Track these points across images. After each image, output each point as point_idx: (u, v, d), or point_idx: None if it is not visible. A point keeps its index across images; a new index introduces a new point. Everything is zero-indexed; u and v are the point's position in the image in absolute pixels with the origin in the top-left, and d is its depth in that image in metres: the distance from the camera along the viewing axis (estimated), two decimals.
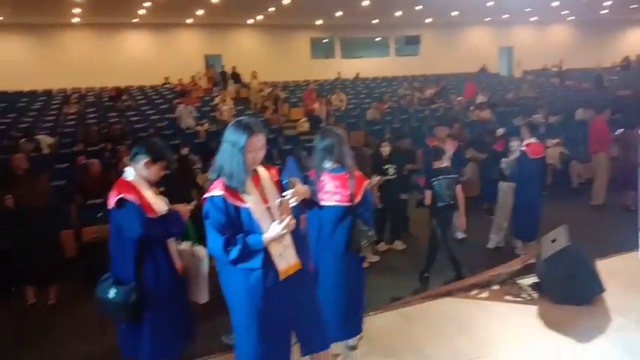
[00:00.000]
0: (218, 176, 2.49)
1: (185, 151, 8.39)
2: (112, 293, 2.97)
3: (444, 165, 5.60)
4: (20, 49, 18.36)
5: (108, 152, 9.83)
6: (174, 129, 12.12)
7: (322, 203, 3.12)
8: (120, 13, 17.58)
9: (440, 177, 5.46)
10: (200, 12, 17.83)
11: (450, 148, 6.59)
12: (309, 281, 2.71)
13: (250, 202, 2.47)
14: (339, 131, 3.43)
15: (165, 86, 18.48)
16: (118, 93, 15.86)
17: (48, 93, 17.10)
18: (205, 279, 3.27)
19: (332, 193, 3.28)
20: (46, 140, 10.42)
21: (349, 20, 20.93)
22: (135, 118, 13.53)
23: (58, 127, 12.54)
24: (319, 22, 21.57)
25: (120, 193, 2.92)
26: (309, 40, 22.74)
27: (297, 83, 20.08)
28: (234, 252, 2.37)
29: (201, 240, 3.30)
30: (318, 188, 3.22)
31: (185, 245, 3.27)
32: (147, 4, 15.93)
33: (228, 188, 2.44)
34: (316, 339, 2.67)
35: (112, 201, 2.94)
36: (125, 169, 3.12)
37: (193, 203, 3.36)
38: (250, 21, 20.58)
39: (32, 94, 16.66)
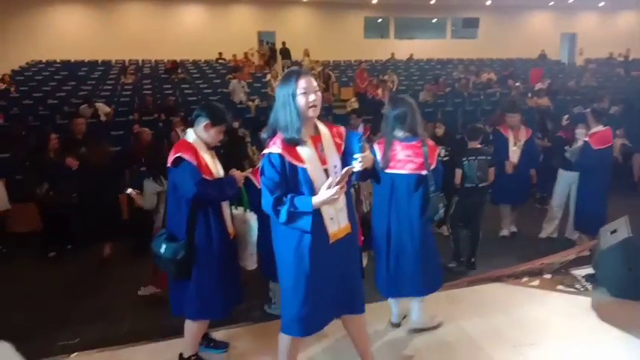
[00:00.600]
0: (274, 133, 2.45)
1: (236, 124, 8.49)
2: (162, 248, 3.05)
3: (478, 146, 5.45)
4: (82, 20, 18.93)
5: (161, 122, 10.09)
6: (226, 103, 12.27)
7: (394, 171, 3.31)
8: None
9: (471, 157, 5.31)
10: None
11: (522, 136, 6.23)
12: (356, 244, 2.74)
13: (307, 162, 2.42)
14: (411, 100, 3.43)
15: (219, 61, 18.70)
16: (174, 66, 16.17)
17: (107, 63, 17.65)
18: (254, 246, 3.31)
19: (405, 161, 3.32)
20: (103, 108, 10.78)
21: (405, 0, 20.44)
22: (188, 91, 13.80)
23: (115, 97, 12.95)
24: (374, 1, 21.19)
25: (178, 152, 2.97)
26: (362, 20, 22.40)
27: (348, 63, 19.89)
28: (283, 212, 2.35)
29: (254, 207, 3.35)
30: (389, 156, 3.33)
31: (238, 211, 3.32)
32: None
33: (286, 145, 2.40)
34: (356, 302, 2.72)
35: (170, 159, 3.00)
36: (187, 130, 3.19)
37: (249, 170, 3.39)
38: None
39: (92, 64, 17.23)
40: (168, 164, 3.03)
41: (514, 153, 6.14)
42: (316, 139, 2.50)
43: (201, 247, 3.04)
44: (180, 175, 2.97)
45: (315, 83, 2.42)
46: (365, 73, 14.78)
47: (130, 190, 4.63)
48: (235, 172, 3.24)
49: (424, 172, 3.31)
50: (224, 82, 15.31)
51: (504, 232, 6.44)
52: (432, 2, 21.40)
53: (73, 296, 4.96)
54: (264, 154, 2.44)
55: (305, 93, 2.37)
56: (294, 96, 2.36)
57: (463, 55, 21.34)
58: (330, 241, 2.50)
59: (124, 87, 14.12)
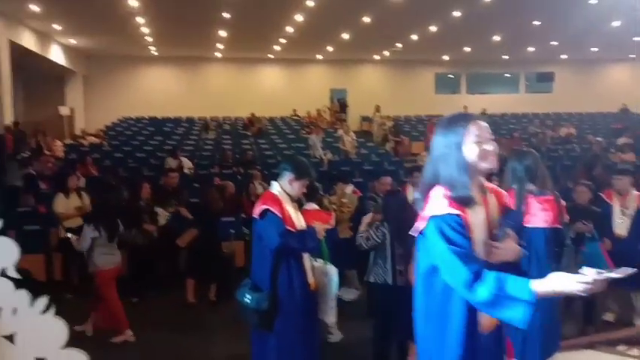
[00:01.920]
0: (428, 189, 1.97)
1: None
2: (247, 298, 3.14)
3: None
4: (170, 79, 20.49)
5: (240, 175, 10.54)
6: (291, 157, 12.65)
7: (531, 225, 3.28)
8: (257, 49, 18.97)
9: None
10: (330, 48, 18.62)
11: (631, 202, 4.99)
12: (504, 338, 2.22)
13: (475, 229, 1.92)
14: (534, 152, 3.44)
15: (293, 117, 19.45)
16: (251, 120, 17.00)
17: (190, 120, 18.84)
18: (334, 299, 3.33)
19: (540, 215, 3.32)
20: (187, 163, 11.43)
21: (477, 56, 20.52)
22: (265, 146, 14.39)
23: (198, 151, 13.72)
24: (445, 57, 21.43)
25: (264, 205, 3.12)
26: (433, 75, 22.65)
27: (419, 117, 20.01)
28: (484, 293, 1.77)
29: (332, 260, 3.40)
30: (523, 210, 3.28)
31: (318, 263, 3.37)
32: (282, 41, 17.01)
33: (458, 205, 1.88)
34: None
35: (257, 211, 3.15)
36: (271, 182, 3.35)
37: (330, 223, 3.46)
38: (377, 56, 21.04)
39: (177, 121, 18.48)
40: (255, 215, 3.17)
41: (621, 224, 4.96)
42: (484, 200, 2.01)
43: (283, 298, 3.10)
44: (266, 227, 3.09)
45: (489, 130, 1.98)
46: None
47: (70, 235, 4.90)
48: (316, 225, 3.32)
49: (559, 226, 3.29)
50: (298, 137, 15.86)
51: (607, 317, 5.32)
52: (504, 57, 21.31)
53: (151, 340, 5.14)
54: (430, 216, 1.90)
55: (479, 142, 1.92)
56: (460, 145, 1.92)
57: (538, 110, 20.88)
58: (482, 331, 1.98)
59: (205, 142, 14.96)
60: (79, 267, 6.83)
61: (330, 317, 3.38)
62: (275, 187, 3.26)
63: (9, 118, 12.74)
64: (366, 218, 4.15)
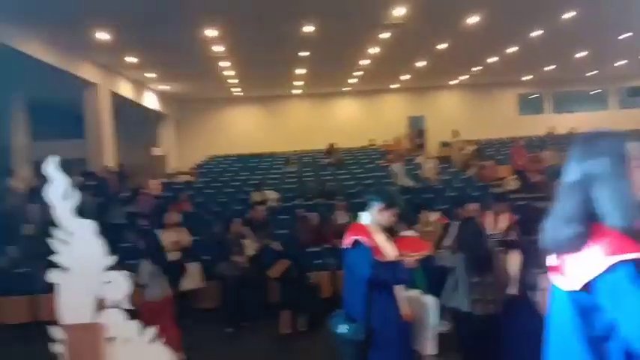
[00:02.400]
0: (589, 222, 1.53)
1: None
2: (341, 328, 3.18)
3: None
4: (252, 117, 21.52)
5: (322, 206, 10.74)
6: (378, 186, 12.68)
7: None
8: (334, 83, 19.50)
9: None
10: (405, 77, 18.70)
11: None
12: None
13: None
14: None
15: (371, 147, 19.58)
16: (330, 150, 17.38)
17: (272, 155, 19.55)
18: (433, 330, 3.28)
19: None
20: (271, 195, 11.83)
21: (561, 74, 19.67)
22: (344, 177, 14.57)
23: (281, 184, 14.17)
24: (527, 77, 20.74)
25: (354, 235, 3.17)
26: (516, 97, 21.94)
27: (502, 140, 19.38)
28: None
29: (430, 290, 3.38)
30: None
31: (413, 293, 3.35)
32: (358, 74, 17.35)
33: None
34: None
35: (347, 241, 3.20)
36: (360, 213, 3.39)
37: (423, 253, 3.44)
38: (454, 82, 20.81)
39: (260, 156, 19.25)
40: (345, 246, 3.23)
41: None
42: None
43: (377, 328, 3.10)
44: (357, 258, 3.13)
45: None
46: (523, 149, 14.25)
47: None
48: (407, 258, 3.30)
49: None
50: (376, 166, 15.91)
51: None
52: (590, 74, 20.25)
53: None
54: (622, 260, 1.41)
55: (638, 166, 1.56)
56: (623, 164, 1.55)
57: (631, 126, 19.47)
58: None
59: (287, 175, 15.42)
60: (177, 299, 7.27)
61: (428, 349, 3.32)
62: (364, 218, 3.30)
63: (111, 161, 13.95)
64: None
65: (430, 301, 3.28)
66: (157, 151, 17.67)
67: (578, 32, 13.20)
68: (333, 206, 9.56)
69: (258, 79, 17.37)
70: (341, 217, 8.91)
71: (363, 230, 3.20)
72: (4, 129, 14.02)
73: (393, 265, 3.18)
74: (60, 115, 16.54)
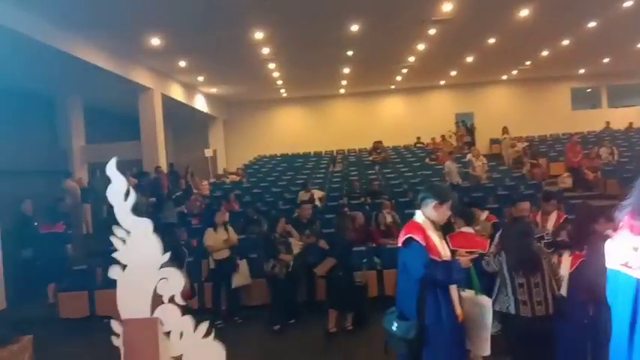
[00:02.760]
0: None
1: None
2: (394, 326, 3.17)
3: None
4: (298, 118, 21.69)
5: (368, 205, 10.73)
6: (425, 185, 12.54)
7: None
8: (379, 82, 19.39)
9: None
10: (453, 73, 18.36)
11: None
12: None
13: None
14: None
15: (417, 145, 19.35)
16: (376, 147, 17.33)
17: (318, 154, 19.67)
18: (488, 330, 3.22)
19: None
20: (318, 193, 11.92)
21: (618, 66, 18.77)
22: (390, 175, 14.49)
23: (326, 183, 14.25)
24: (581, 71, 19.92)
25: (408, 233, 3.13)
26: (569, 91, 21.11)
27: (556, 136, 18.74)
28: None
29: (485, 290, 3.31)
30: None
31: (468, 293, 3.29)
32: (404, 71, 17.18)
33: None
34: None
35: (401, 240, 3.17)
36: (415, 211, 3.32)
37: (477, 252, 3.38)
38: (504, 77, 20.26)
39: (306, 156, 19.41)
40: (399, 244, 3.20)
41: None
42: None
43: (431, 327, 3.07)
44: (410, 256, 3.10)
45: None
46: (578, 146, 13.73)
47: None
48: (461, 257, 3.24)
49: None
50: (423, 165, 15.73)
51: None
52: None
53: None
54: None
55: None
56: None
57: None
58: None
59: (333, 174, 15.49)
60: (227, 296, 7.46)
61: (483, 350, 3.27)
62: (419, 216, 3.25)
63: (163, 162, 14.44)
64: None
65: (485, 301, 3.21)
66: (207, 152, 18.15)
67: (637, 22, 12.57)
68: (379, 205, 9.53)
69: (304, 79, 17.50)
70: (387, 217, 8.88)
71: (418, 228, 3.16)
72: (64, 132, 14.76)
73: (448, 264, 3.14)
74: (115, 118, 17.27)
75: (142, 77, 13.60)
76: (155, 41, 11.48)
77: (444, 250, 3.18)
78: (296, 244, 7.32)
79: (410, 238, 3.12)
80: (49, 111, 14.83)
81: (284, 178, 15.45)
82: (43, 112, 14.54)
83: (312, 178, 14.88)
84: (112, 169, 3.27)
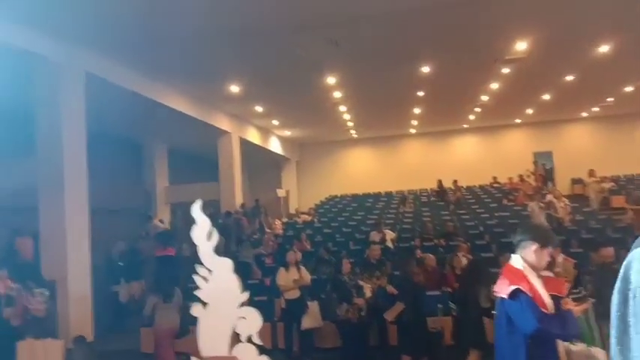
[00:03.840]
0: None
1: None
2: None
3: None
4: (368, 158, 21.82)
5: (441, 247, 10.48)
6: (503, 227, 12.09)
7: None
8: (451, 121, 19.17)
9: None
10: (529, 111, 17.84)
11: None
12: None
13: None
14: None
15: (494, 185, 18.77)
16: (441, 188, 17.00)
17: (388, 194, 19.57)
18: None
19: None
20: (390, 234, 11.81)
21: None
22: (465, 217, 14.11)
23: (397, 224, 14.10)
24: None
25: (513, 283, 2.81)
26: None
27: None
28: None
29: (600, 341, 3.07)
30: None
31: (579, 346, 3.05)
32: (477, 110, 16.93)
33: None
34: None
35: (504, 290, 2.85)
36: (511, 255, 3.03)
37: (589, 301, 3.15)
38: (584, 114, 19.38)
39: (376, 196, 19.37)
40: (502, 295, 2.88)
41: None
42: None
43: None
44: (519, 310, 2.77)
45: None
46: None
47: None
48: (571, 305, 2.97)
49: None
50: (500, 206, 15.21)
51: None
52: None
53: None
54: None
55: None
56: None
57: None
58: None
59: (404, 215, 15.31)
60: (298, 337, 7.48)
61: None
62: (517, 261, 2.94)
63: (239, 203, 14.97)
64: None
65: (600, 355, 2.94)
66: (280, 193, 18.62)
67: None
68: (453, 247, 9.29)
69: (375, 120, 17.67)
70: (462, 260, 8.61)
71: (521, 277, 2.83)
72: (149, 175, 15.74)
73: (563, 316, 2.84)
74: (195, 161, 18.22)
75: (221, 122, 14.37)
76: (234, 88, 12.16)
77: (547, 299, 2.87)
78: (367, 288, 7.27)
79: (517, 289, 2.79)
80: (137, 154, 15.92)
81: (355, 218, 15.48)
82: (131, 155, 15.63)
83: (383, 219, 14.82)
84: (197, 210, 3.48)
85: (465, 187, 18.72)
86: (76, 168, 8.21)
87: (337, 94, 13.42)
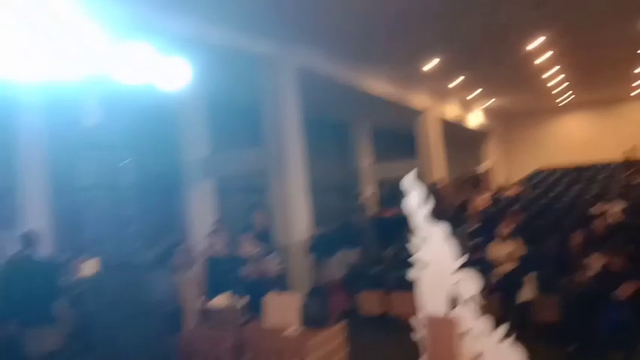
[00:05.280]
0: None
1: None
2: None
3: None
4: (582, 125, 19.94)
5: None
6: None
7: None
8: None
9: None
10: None
11: None
12: None
13: None
14: None
15: None
16: (627, 163, 14.63)
17: (610, 164, 17.40)
18: None
19: None
20: (617, 206, 10.51)
21: None
22: None
23: (626, 195, 12.46)
24: None
25: None
26: None
27: None
28: None
29: None
30: None
31: None
32: None
33: None
34: None
35: None
36: None
37: None
38: None
39: (595, 166, 17.40)
40: None
41: None
42: None
43: None
44: None
45: None
46: None
47: None
48: None
49: None
50: None
51: None
52: None
53: None
54: None
55: None
56: None
57: None
58: None
59: (633, 187, 13.47)
60: (517, 311, 7.26)
61: None
62: None
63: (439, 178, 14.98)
64: None
65: None
66: (483, 167, 18.06)
67: None
68: None
69: (591, 83, 16.09)
70: None
71: None
72: (354, 154, 16.70)
73: None
74: (397, 139, 18.68)
75: (417, 102, 14.59)
76: (434, 64, 12.13)
77: None
78: (595, 263, 6.69)
79: None
80: (343, 136, 16.99)
81: (570, 190, 14.16)
82: (338, 137, 16.74)
83: (604, 192, 13.27)
84: (409, 181, 3.71)
85: None
86: (296, 153, 9.43)
87: (546, 56, 12.42)
